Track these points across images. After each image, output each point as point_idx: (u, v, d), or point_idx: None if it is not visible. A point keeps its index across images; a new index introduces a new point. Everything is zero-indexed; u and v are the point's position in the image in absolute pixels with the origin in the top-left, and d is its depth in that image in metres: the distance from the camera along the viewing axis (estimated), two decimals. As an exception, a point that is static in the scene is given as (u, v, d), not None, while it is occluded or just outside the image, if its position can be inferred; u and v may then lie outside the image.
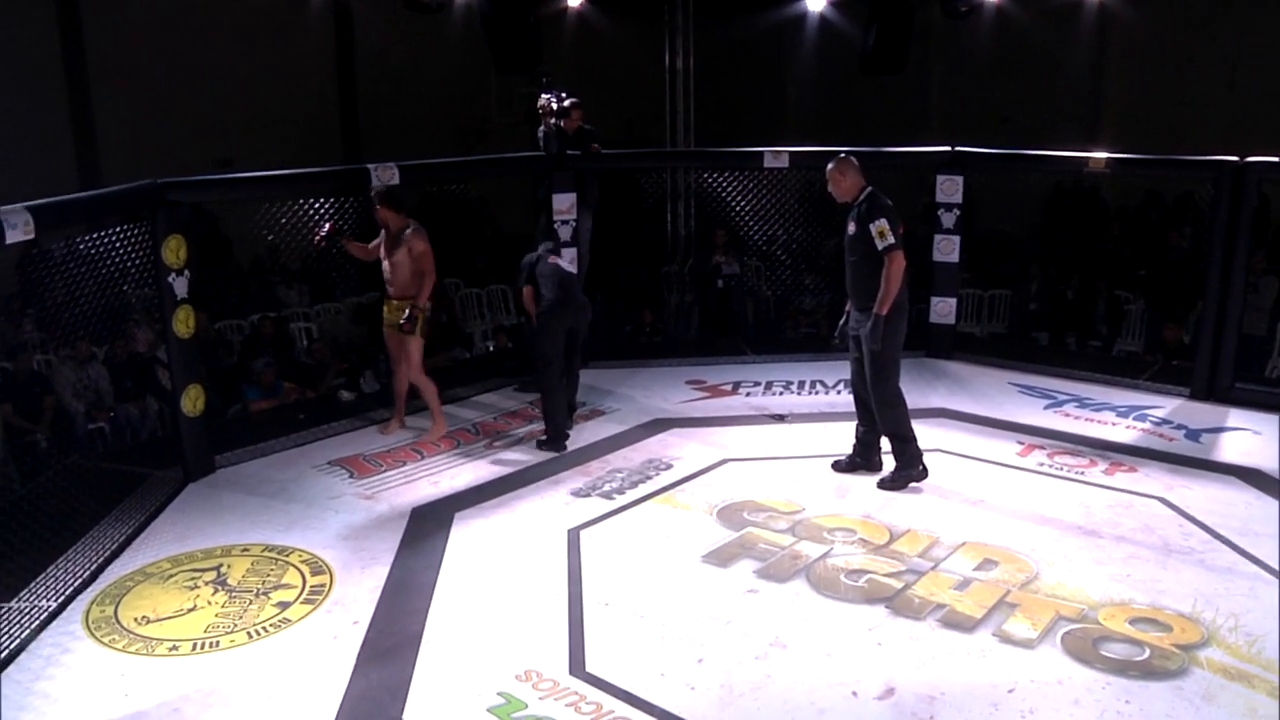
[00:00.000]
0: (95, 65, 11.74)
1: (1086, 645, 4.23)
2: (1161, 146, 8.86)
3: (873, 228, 5.53)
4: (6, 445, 7.50)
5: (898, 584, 4.75)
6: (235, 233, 10.56)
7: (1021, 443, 6.58)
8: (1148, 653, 4.18)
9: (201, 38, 12.17)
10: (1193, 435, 6.72)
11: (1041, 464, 6.25)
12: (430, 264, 6.51)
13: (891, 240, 5.50)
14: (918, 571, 4.87)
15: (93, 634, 4.44)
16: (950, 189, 8.27)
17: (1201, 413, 7.13)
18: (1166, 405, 7.31)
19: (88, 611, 4.63)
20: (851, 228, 5.72)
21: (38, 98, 11.32)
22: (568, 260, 7.03)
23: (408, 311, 6.48)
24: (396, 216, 6.51)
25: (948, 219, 8.33)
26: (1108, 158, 7.76)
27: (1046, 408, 7.30)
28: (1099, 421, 7.00)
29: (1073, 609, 4.51)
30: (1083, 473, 6.11)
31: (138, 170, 6.40)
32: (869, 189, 5.69)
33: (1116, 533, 5.28)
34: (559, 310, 6.53)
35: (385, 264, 6.62)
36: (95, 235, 5.59)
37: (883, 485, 5.88)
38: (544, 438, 6.64)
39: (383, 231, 6.63)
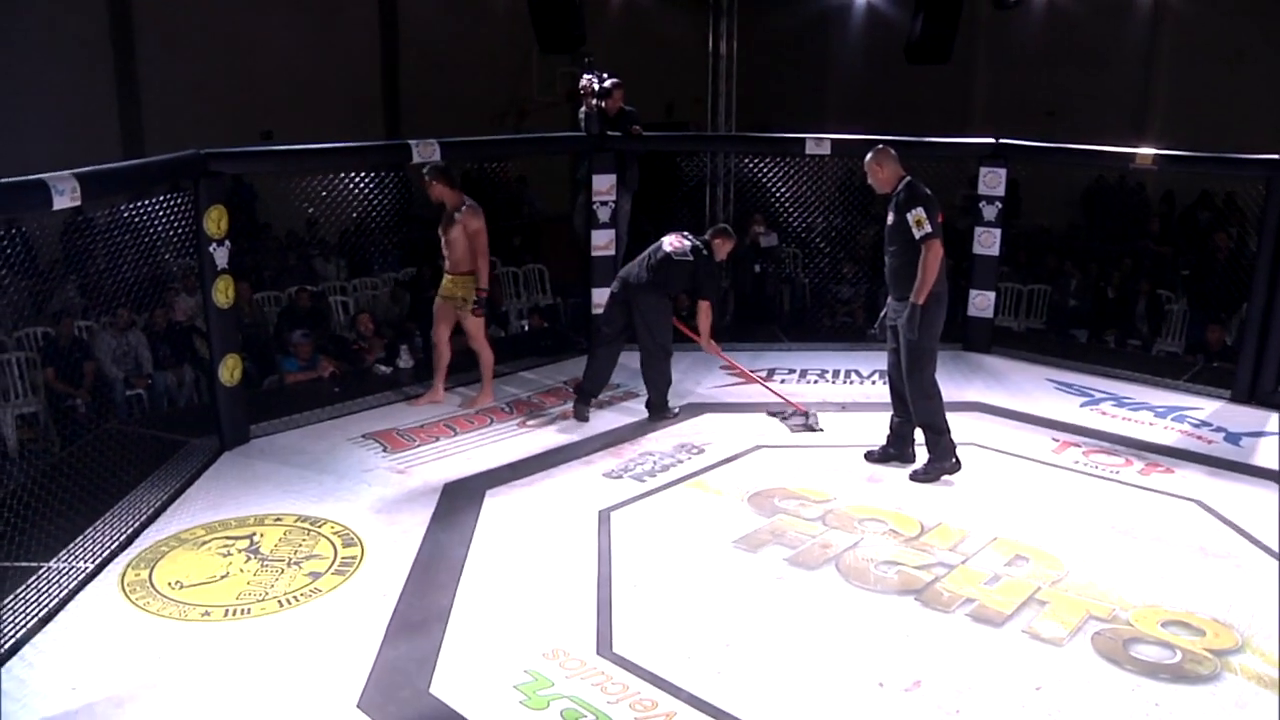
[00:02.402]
0: (142, 36, 11.89)
1: (1117, 646, 4.19)
2: (1211, 144, 8.70)
3: (910, 216, 5.49)
4: (48, 409, 7.64)
5: (927, 576, 4.73)
6: (272, 207, 10.66)
7: (1057, 439, 6.52)
8: (1179, 656, 4.13)
9: (247, 11, 12.29)
10: (1233, 438, 6.62)
11: (1076, 462, 6.19)
12: (484, 243, 6.61)
13: (929, 229, 5.46)
14: (948, 565, 4.84)
15: (128, 596, 4.52)
16: (993, 181, 8.18)
17: (1243, 416, 7.02)
18: (1206, 407, 7.21)
19: (123, 574, 4.70)
20: (890, 217, 5.68)
21: (84, 68, 11.48)
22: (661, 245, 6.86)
23: (479, 296, 6.65)
24: (451, 192, 6.60)
25: (989, 212, 8.24)
26: (1155, 154, 7.63)
27: (1083, 405, 7.23)
28: (1136, 421, 6.91)
29: (1104, 609, 4.47)
30: (1118, 472, 6.04)
31: (180, 141, 6.46)
32: (907, 178, 5.64)
33: (1151, 534, 5.22)
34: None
35: (443, 240, 6.71)
36: (138, 204, 5.65)
37: (915, 477, 5.85)
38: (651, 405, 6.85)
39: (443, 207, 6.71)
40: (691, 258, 6.59)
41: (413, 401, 7.04)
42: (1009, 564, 4.86)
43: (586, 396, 6.85)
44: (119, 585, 4.61)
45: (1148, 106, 13.56)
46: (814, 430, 6.64)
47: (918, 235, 5.47)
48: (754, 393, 7.38)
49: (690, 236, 6.72)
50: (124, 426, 6.72)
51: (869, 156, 5.71)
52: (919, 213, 5.47)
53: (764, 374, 7.70)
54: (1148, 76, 13.65)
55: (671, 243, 6.65)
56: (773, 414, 6.90)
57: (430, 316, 7.05)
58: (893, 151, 5.72)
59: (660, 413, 6.79)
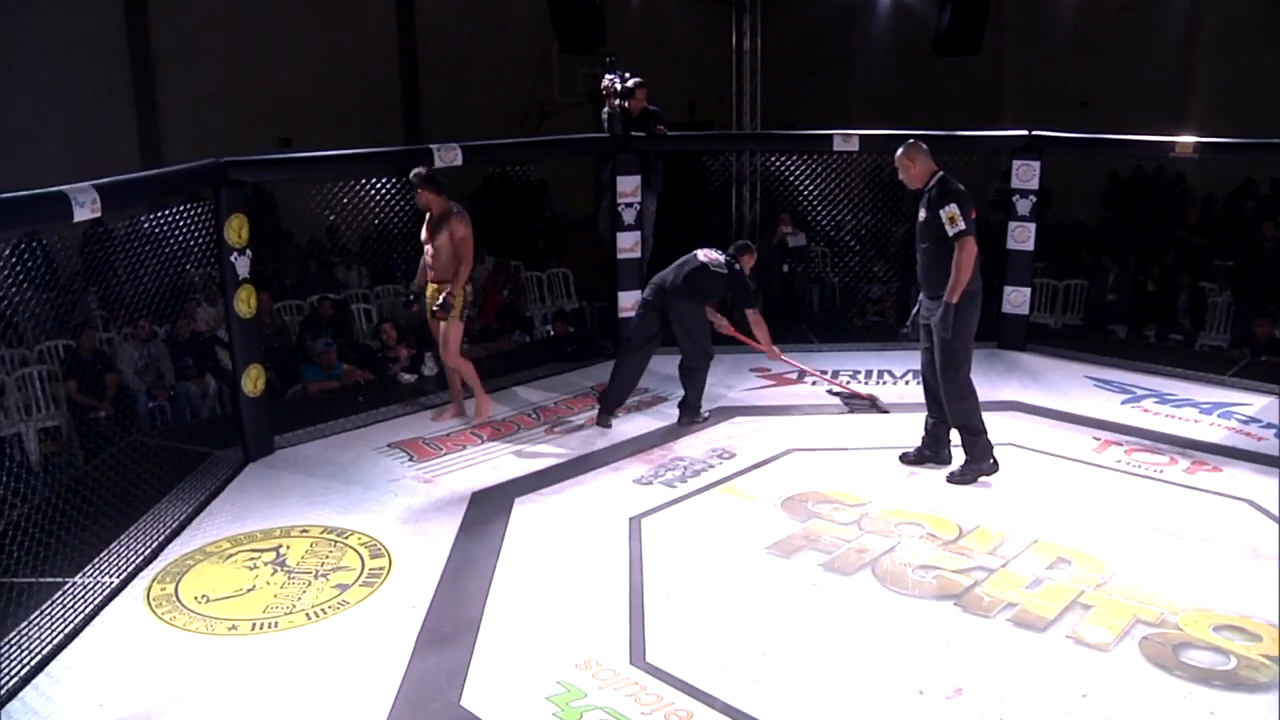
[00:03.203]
0: (159, 45, 12.01)
1: (1166, 652, 4.12)
2: (1254, 132, 8.59)
3: (943, 213, 5.46)
4: (70, 422, 7.72)
5: (966, 581, 4.68)
6: (292, 214, 10.73)
7: (1097, 438, 6.44)
8: (1234, 662, 4.06)
9: (264, 18, 12.39)
10: (1283, 434, 6.54)
11: (1118, 461, 6.11)
12: (469, 250, 6.51)
13: (962, 226, 5.42)
14: (987, 569, 4.79)
15: (154, 611, 4.54)
16: (1026, 174, 8.12)
17: (1293, 411, 6.93)
18: (1255, 403, 7.10)
19: (149, 589, 4.73)
20: (922, 214, 5.64)
21: (102, 77, 11.60)
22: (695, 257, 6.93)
23: (442, 298, 6.50)
24: (438, 199, 6.50)
25: (1023, 206, 8.18)
26: (1195, 141, 7.54)
27: (1124, 402, 7.15)
28: (1180, 418, 6.83)
29: (1151, 613, 4.40)
30: (1162, 471, 5.96)
31: (199, 150, 6.52)
32: (940, 174, 5.61)
33: (1199, 535, 5.14)
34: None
35: (428, 248, 6.61)
36: (158, 214, 5.70)
37: (952, 479, 5.80)
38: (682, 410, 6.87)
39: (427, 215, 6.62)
40: (725, 270, 6.67)
41: (438, 416, 7.02)
42: (1051, 567, 4.81)
43: (611, 405, 6.84)
44: (145, 600, 4.64)
45: (1186, 95, 13.41)
46: (880, 411, 6.95)
47: (951, 232, 5.43)
48: (786, 395, 7.37)
49: (722, 252, 6.81)
50: (147, 439, 6.77)
51: (900, 152, 5.68)
52: (952, 209, 5.43)
53: (794, 375, 7.68)
54: (1186, 64, 13.50)
55: (707, 254, 6.74)
56: (838, 396, 7.16)
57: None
58: (924, 146, 5.68)
59: (692, 414, 6.80)
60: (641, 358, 6.85)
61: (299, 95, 12.41)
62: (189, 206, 5.85)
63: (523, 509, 5.56)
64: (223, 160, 5.93)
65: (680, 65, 14.59)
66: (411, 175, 6.55)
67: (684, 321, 6.68)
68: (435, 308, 6.55)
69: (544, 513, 5.53)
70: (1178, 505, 5.51)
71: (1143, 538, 5.12)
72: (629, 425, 6.82)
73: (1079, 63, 13.78)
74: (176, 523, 5.38)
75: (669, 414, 6.92)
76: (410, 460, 6.28)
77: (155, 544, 5.14)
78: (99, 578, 4.79)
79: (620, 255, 8.15)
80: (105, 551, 5.02)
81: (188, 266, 6.10)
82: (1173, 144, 7.68)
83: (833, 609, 4.49)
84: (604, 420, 6.79)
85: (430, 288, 6.69)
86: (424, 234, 6.64)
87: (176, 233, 5.71)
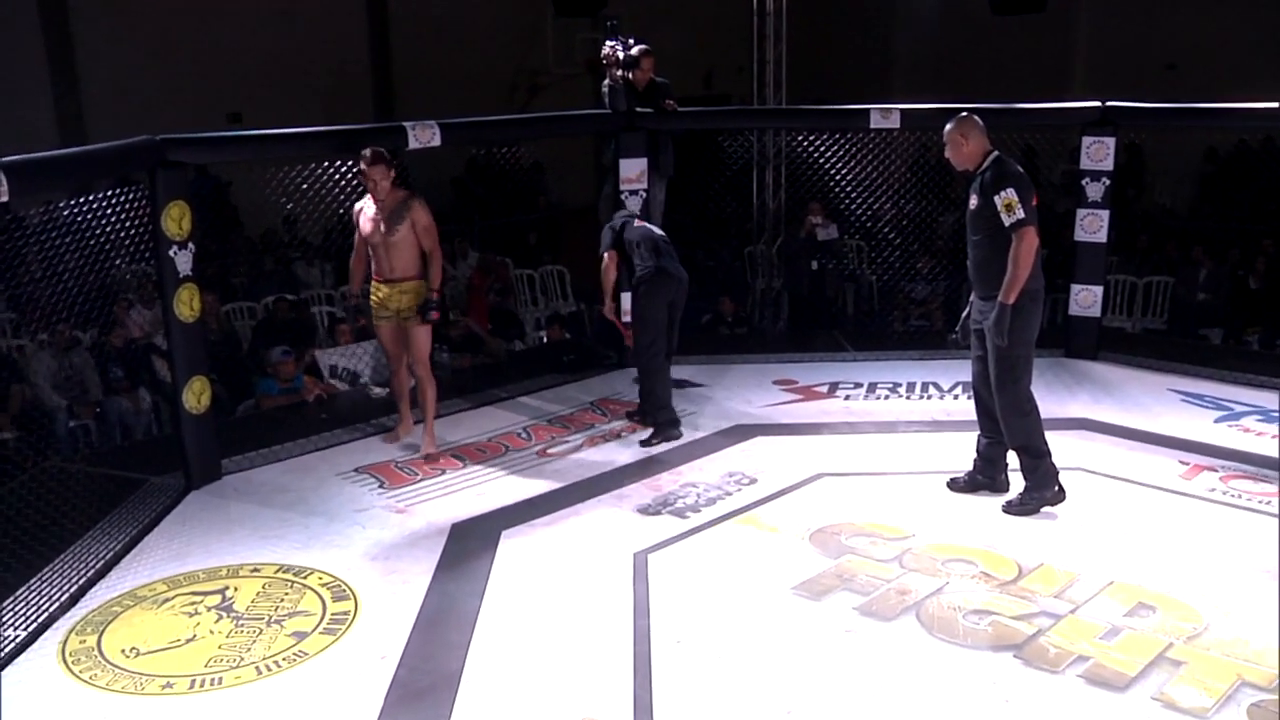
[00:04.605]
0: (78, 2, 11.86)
1: (1280, 721, 4.07)
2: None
3: (999, 199, 5.45)
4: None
5: (1029, 629, 4.66)
6: (243, 203, 10.74)
7: (1186, 462, 6.42)
8: (1361, 735, 4.01)
9: (208, -27, 12.35)
10: None
11: (1212, 489, 6.08)
12: (436, 239, 6.53)
13: (1021, 214, 5.41)
14: (1054, 615, 4.76)
15: (70, 669, 4.49)
16: (1099, 153, 8.09)
17: None
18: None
19: (65, 642, 4.69)
20: (974, 201, 5.63)
21: (5, 35, 11.40)
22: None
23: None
24: (393, 184, 6.43)
25: (1094, 190, 8.16)
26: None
27: (1219, 420, 7.13)
28: (1290, 440, 6.80)
29: (1261, 674, 4.32)
30: (1269, 502, 5.91)
31: (131, 126, 6.52)
32: (995, 154, 5.61)
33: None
34: (658, 279, 6.70)
35: (381, 244, 6.51)
36: (81, 200, 5.69)
37: (1009, 509, 5.78)
38: (649, 434, 6.82)
39: (364, 209, 6.55)
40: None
41: (388, 436, 7.01)
42: (1130, 614, 4.77)
43: (673, 420, 6.91)
44: (59, 656, 4.58)
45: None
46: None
47: (1008, 221, 5.42)
48: (815, 412, 7.35)
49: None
50: (67, 464, 6.73)
51: (950, 126, 5.67)
52: (1009, 194, 5.42)
53: (825, 388, 7.68)
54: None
55: (647, 225, 6.94)
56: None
57: None
58: (979, 121, 5.67)
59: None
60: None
61: (250, 63, 12.41)
62: (119, 192, 5.84)
63: (510, 543, 5.55)
64: (159, 138, 5.93)
65: (694, 30, 14.63)
66: (365, 152, 6.37)
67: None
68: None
69: (535, 547, 5.52)
70: (1286, 542, 5.47)
71: (1244, 581, 5.06)
72: (633, 446, 6.82)
73: (1165, 17, 13.67)
74: (101, 562, 5.34)
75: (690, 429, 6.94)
76: (380, 487, 6.28)
77: (74, 588, 5.07)
78: (2, 631, 4.72)
79: (625, 249, 8.16)
80: (10, 599, 4.93)
81: (118, 262, 6.10)
82: (1282, 111, 7.60)
83: (870, 660, 4.47)
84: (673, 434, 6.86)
85: (385, 290, 6.58)
86: (367, 226, 6.52)
87: (103, 222, 5.70)
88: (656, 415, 6.81)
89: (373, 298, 6.67)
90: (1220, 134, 11.50)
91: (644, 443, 6.77)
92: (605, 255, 6.84)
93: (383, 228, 6.47)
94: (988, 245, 5.58)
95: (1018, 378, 5.67)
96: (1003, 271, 5.47)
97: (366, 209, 6.54)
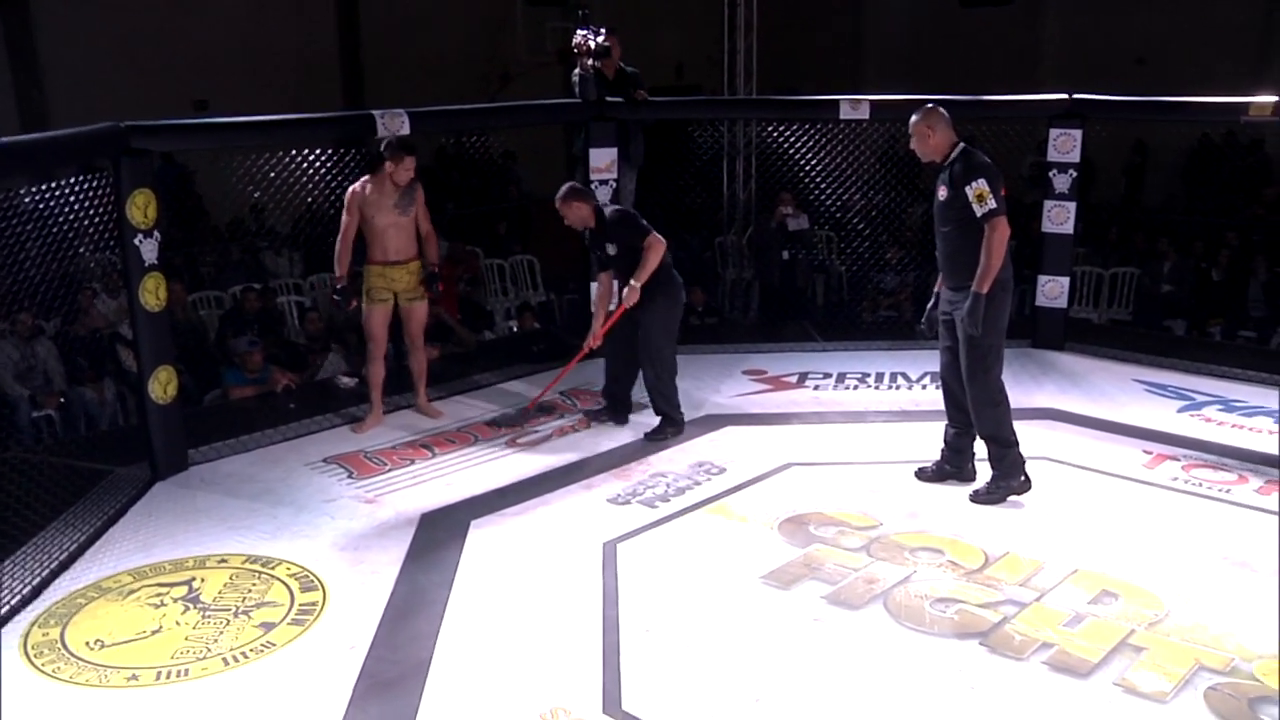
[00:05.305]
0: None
1: (1240, 707, 4.07)
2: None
3: (970, 190, 5.46)
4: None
5: (994, 616, 4.70)
6: (210, 191, 10.65)
7: (1149, 451, 6.48)
8: (1319, 718, 4.06)
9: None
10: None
11: (1175, 478, 6.15)
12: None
13: (993, 204, 5.42)
14: (1019, 603, 4.81)
15: (32, 662, 4.45)
16: (1066, 145, 8.15)
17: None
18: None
19: (27, 634, 4.65)
20: (942, 192, 5.65)
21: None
22: None
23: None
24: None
25: (1061, 182, 8.22)
26: (1276, 102, 7.48)
27: (1182, 410, 7.20)
28: (1251, 429, 6.86)
29: (1218, 658, 4.39)
30: (1228, 491, 5.99)
31: (94, 113, 6.45)
32: (961, 145, 5.63)
33: (1273, 566, 5.14)
34: (674, 289, 6.74)
35: (393, 226, 6.68)
36: (43, 188, 5.63)
37: (976, 498, 5.83)
38: (655, 428, 6.82)
39: (367, 194, 6.63)
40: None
41: (355, 427, 7.00)
42: (1094, 601, 4.82)
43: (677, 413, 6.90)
44: (21, 649, 4.54)
45: (1270, 48, 13.28)
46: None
47: (980, 212, 5.44)
48: (783, 400, 7.40)
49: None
50: (29, 454, 6.66)
51: (916, 118, 5.68)
52: (980, 185, 5.43)
53: (794, 378, 7.72)
54: (1270, 11, 13.37)
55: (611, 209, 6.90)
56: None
57: None
58: (945, 113, 5.69)
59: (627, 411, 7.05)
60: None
61: (216, 49, 12.30)
62: (82, 179, 5.78)
63: (480, 533, 5.55)
64: (124, 125, 5.88)
65: (666, 20, 14.61)
66: (394, 139, 6.64)
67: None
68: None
69: (504, 537, 5.52)
70: (1247, 531, 5.51)
71: (1205, 569, 5.12)
72: (603, 437, 6.83)
73: (1134, 11, 13.72)
74: (65, 554, 5.29)
75: (647, 424, 6.91)
76: (349, 477, 6.26)
77: (36, 581, 5.02)
78: (-40, 625, 4.69)
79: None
80: (-31, 592, 4.89)
81: (82, 250, 6.05)
82: (1246, 105, 7.65)
83: (838, 648, 4.49)
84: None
85: (390, 272, 6.75)
86: (377, 210, 6.62)
87: (66, 210, 5.64)
88: (671, 412, 6.80)
89: (373, 281, 6.80)
90: (1185, 128, 11.57)
91: (649, 435, 6.76)
92: (654, 236, 6.58)
93: (397, 210, 6.68)
94: (958, 236, 5.60)
95: (989, 367, 5.70)
96: (973, 262, 5.49)
97: (372, 194, 6.64)
